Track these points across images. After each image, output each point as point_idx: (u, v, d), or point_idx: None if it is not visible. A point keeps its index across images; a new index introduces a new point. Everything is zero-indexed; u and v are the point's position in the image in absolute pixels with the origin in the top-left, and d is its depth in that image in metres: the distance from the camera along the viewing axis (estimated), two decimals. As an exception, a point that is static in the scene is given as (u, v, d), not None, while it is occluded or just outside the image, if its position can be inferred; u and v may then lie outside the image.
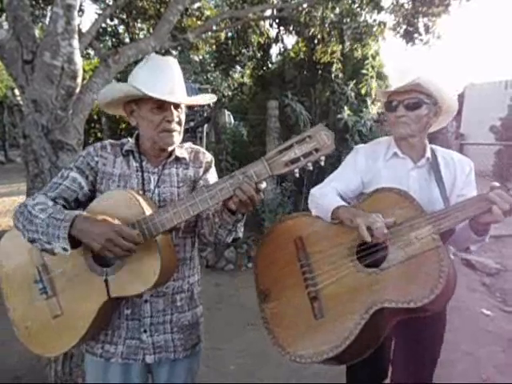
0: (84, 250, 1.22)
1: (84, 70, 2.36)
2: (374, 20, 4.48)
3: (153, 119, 1.27)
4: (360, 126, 5.34)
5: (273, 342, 1.42)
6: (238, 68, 8.40)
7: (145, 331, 1.33)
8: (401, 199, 1.37)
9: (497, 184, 1.30)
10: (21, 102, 2.34)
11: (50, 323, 1.26)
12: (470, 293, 4.25)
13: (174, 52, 7.60)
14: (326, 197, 1.53)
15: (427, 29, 4.47)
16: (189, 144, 1.46)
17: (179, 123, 1.32)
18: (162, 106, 1.26)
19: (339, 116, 5.25)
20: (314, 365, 2.70)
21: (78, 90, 2.24)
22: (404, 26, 4.51)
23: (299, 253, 1.47)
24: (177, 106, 1.30)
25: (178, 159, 1.38)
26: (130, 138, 1.41)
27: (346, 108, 5.36)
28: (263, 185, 1.14)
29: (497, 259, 5.21)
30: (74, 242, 1.14)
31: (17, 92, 2.36)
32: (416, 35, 4.57)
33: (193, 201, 1.15)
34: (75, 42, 2.12)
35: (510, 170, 8.83)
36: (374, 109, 5.77)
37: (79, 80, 2.20)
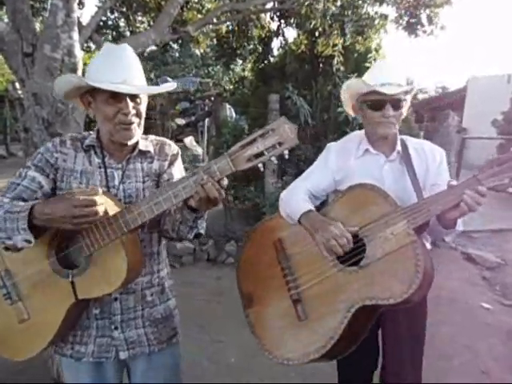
0: (48, 252, 1.19)
1: (85, 64, 2.35)
2: (376, 12, 4.45)
3: (107, 111, 1.20)
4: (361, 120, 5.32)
5: (260, 346, 1.43)
6: (239, 62, 8.36)
7: (116, 328, 1.31)
8: (375, 195, 1.36)
9: (454, 182, 1.27)
10: (22, 96, 2.34)
11: (17, 327, 1.24)
12: (470, 287, 4.26)
13: (174, 46, 7.57)
14: (292, 203, 1.50)
15: (430, 20, 4.42)
16: (153, 136, 1.41)
17: (138, 115, 1.25)
18: (117, 96, 1.19)
19: (340, 109, 5.23)
20: (315, 369, 2.70)
21: (78, 83, 2.23)
22: (406, 18, 4.47)
23: (279, 255, 1.47)
24: (134, 97, 1.22)
25: (142, 153, 1.33)
26: (91, 132, 1.34)
27: (346, 102, 5.33)
28: (225, 182, 1.11)
29: (497, 253, 5.21)
30: (37, 233, 1.11)
31: (18, 85, 2.36)
32: (419, 27, 4.53)
33: (156, 200, 1.12)
34: (75, 35, 2.12)
35: None
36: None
37: (79, 73, 2.20)
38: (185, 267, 4.67)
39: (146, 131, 1.38)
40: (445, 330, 3.24)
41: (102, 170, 1.29)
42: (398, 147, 1.53)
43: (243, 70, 8.98)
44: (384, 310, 1.41)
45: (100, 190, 1.10)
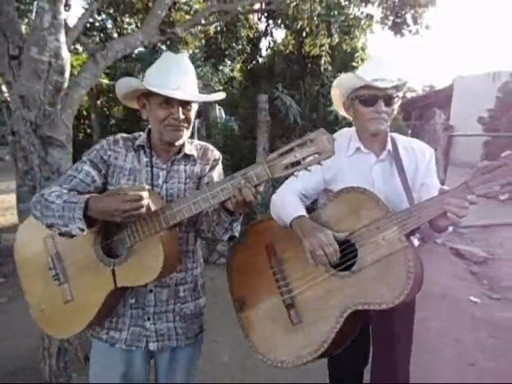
0: (94, 241, 1.30)
1: (72, 66, 2.36)
2: (362, 12, 4.51)
3: (160, 114, 1.30)
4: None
5: (253, 349, 1.45)
6: (228, 62, 8.37)
7: (148, 319, 1.39)
8: (366, 199, 1.36)
9: (446, 188, 1.28)
10: (8, 99, 2.33)
11: (62, 308, 1.35)
12: (458, 281, 4.34)
13: (163, 47, 7.56)
14: (284, 206, 1.48)
15: (415, 20, 4.49)
16: (197, 141, 1.50)
17: (187, 120, 1.34)
18: (169, 101, 1.29)
19: (329, 109, 5.28)
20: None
21: (65, 85, 2.23)
22: (392, 18, 4.53)
23: (271, 259, 1.47)
24: (185, 104, 1.31)
25: (186, 156, 1.42)
26: (141, 133, 1.44)
27: (335, 101, 5.38)
28: (261, 188, 1.17)
29: (484, 248, 5.32)
30: (90, 223, 1.21)
31: (4, 88, 2.34)
32: (404, 26, 4.60)
33: (195, 199, 1.20)
34: (62, 37, 2.11)
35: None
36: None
37: (67, 75, 2.20)
38: (177, 268, 4.66)
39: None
40: (434, 324, 3.30)
41: (149, 168, 1.38)
42: (389, 146, 1.53)
43: (231, 70, 8.99)
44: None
45: (146, 187, 1.20)
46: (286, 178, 1.70)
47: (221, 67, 8.35)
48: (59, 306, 1.35)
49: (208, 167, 1.45)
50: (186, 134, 1.37)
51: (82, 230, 1.20)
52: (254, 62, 6.93)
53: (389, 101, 1.45)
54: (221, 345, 3.02)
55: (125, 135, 1.45)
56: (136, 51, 6.60)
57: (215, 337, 3.08)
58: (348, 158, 1.55)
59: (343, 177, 1.51)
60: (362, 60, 5.35)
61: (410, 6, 4.33)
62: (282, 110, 5.21)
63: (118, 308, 1.40)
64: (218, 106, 10.07)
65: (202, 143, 1.50)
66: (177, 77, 1.30)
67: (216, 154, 1.49)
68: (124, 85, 1.35)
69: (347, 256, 1.36)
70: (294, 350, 1.38)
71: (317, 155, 1.09)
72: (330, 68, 5.34)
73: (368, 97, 1.45)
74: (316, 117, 5.53)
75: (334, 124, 5.36)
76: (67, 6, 5.02)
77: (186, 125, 1.34)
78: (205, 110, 9.20)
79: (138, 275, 1.25)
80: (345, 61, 5.50)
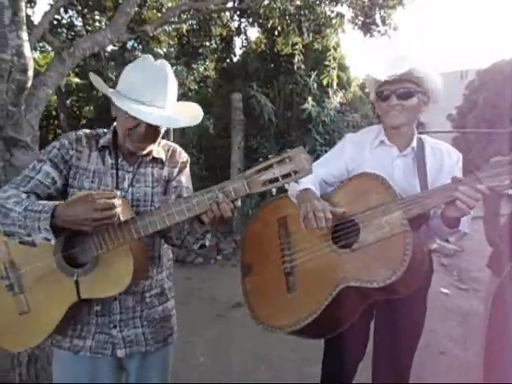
0: (55, 249, 1.20)
1: (39, 65, 2.28)
2: (332, 11, 4.56)
3: (124, 123, 1.22)
4: (323, 117, 5.44)
5: (249, 312, 1.53)
6: (202, 61, 8.31)
7: (114, 326, 1.33)
8: (377, 184, 1.41)
9: (458, 177, 1.30)
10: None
11: (17, 319, 1.26)
12: (429, 273, 4.48)
13: (135, 45, 7.43)
14: (298, 185, 1.53)
15: (383, 21, 4.60)
16: (164, 141, 1.42)
17: (154, 135, 1.27)
18: None
19: (303, 107, 5.33)
20: (284, 361, 2.74)
21: (29, 85, 2.16)
22: (362, 19, 4.62)
23: (281, 231, 1.55)
24: None
25: (154, 159, 1.36)
26: (106, 130, 1.35)
27: (309, 99, 5.43)
28: (238, 203, 1.16)
29: (454, 241, 5.50)
30: (56, 231, 1.13)
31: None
32: (373, 27, 4.70)
33: (169, 211, 1.15)
34: (24, 35, 2.04)
35: (466, 157, 9.27)
36: (336, 99, 5.89)
37: (30, 74, 2.12)
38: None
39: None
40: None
41: (114, 171, 1.31)
42: (414, 143, 1.56)
43: (205, 69, 8.93)
44: (378, 304, 1.46)
45: (118, 193, 1.13)
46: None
47: (194, 66, 8.29)
48: (13, 317, 1.25)
49: (176, 170, 1.39)
50: (153, 145, 1.30)
51: (49, 240, 1.12)
52: (227, 61, 6.91)
53: (402, 96, 1.50)
54: (195, 345, 3.00)
55: (88, 132, 1.34)
56: (109, 49, 6.45)
57: (189, 337, 3.07)
58: (372, 151, 1.61)
59: (364, 168, 1.54)
60: (335, 59, 5.42)
61: (378, 6, 4.42)
62: (257, 108, 5.22)
63: (82, 316, 1.32)
64: (193, 105, 9.95)
65: (170, 143, 1.43)
66: (152, 89, 1.19)
67: (184, 156, 1.43)
68: (94, 82, 1.26)
69: (350, 235, 1.42)
70: (285, 317, 1.44)
71: (294, 173, 1.09)
72: (303, 67, 5.39)
73: (383, 92, 1.53)
74: (290, 115, 5.57)
75: (307, 122, 5.42)
76: (32, 1, 4.85)
77: (150, 139, 1.26)
78: (179, 109, 9.08)
79: (104, 287, 1.18)
80: (318, 59, 5.56)
